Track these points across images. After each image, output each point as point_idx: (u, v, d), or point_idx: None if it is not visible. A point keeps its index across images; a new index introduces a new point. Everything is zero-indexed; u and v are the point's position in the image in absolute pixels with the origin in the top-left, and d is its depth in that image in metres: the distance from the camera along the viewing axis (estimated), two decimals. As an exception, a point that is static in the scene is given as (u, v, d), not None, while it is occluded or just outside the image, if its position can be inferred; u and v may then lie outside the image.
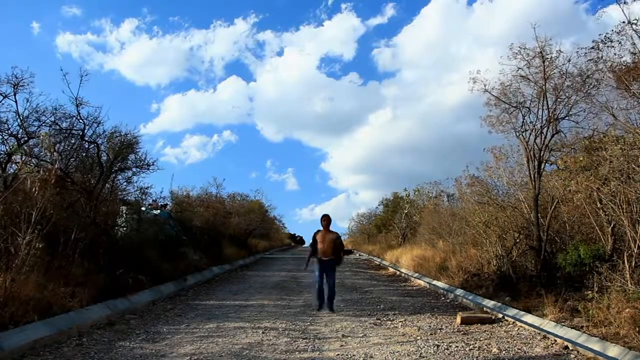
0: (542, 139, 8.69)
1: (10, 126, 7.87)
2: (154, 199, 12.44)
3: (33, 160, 7.95)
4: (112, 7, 57.04)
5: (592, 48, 7.59)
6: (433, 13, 59.23)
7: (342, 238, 7.41)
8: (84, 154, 9.37)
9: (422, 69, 64.61)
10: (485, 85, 9.33)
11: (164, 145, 59.21)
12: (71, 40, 53.76)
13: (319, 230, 6.91)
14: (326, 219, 6.95)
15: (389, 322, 6.97)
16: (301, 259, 20.38)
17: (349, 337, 5.79)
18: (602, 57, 7.47)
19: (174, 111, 62.43)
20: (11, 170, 7.52)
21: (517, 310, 7.09)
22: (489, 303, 8.08)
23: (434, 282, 11.75)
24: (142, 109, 57.40)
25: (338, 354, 4.98)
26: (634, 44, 6.82)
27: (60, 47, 53.11)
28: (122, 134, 9.71)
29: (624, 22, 6.69)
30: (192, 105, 62.67)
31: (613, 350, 4.74)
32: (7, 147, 7.69)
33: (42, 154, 8.27)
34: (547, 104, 8.66)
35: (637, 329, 4.94)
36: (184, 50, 58.49)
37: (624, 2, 6.55)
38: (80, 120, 8.80)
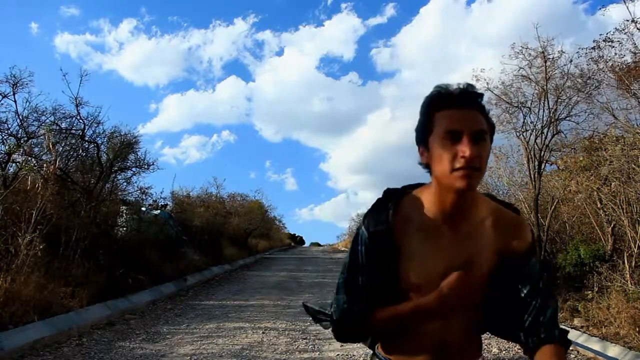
0: (543, 139, 8.68)
1: (10, 126, 7.87)
2: (154, 199, 12.43)
3: (33, 159, 7.94)
4: (111, 7, 56.83)
5: (593, 48, 7.60)
6: (432, 13, 59.28)
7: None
8: (84, 154, 9.37)
9: (421, 69, 64.70)
10: (488, 84, 9.32)
11: (163, 145, 59.11)
12: (69, 41, 53.51)
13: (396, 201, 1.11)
14: (477, 119, 1.02)
15: (389, 322, 6.96)
16: (302, 259, 20.36)
17: (349, 337, 5.78)
18: (603, 56, 7.48)
19: (172, 111, 62.28)
20: (11, 170, 7.51)
21: (517, 311, 7.07)
22: (489, 303, 8.07)
23: (434, 282, 11.72)
24: (141, 109, 57.13)
25: (338, 354, 4.98)
26: (635, 43, 6.83)
27: (59, 47, 52.86)
28: (122, 133, 9.72)
29: (627, 20, 6.69)
30: (191, 105, 62.51)
31: (613, 350, 4.75)
32: (6, 147, 7.69)
33: (42, 152, 8.27)
34: (548, 104, 8.65)
35: (637, 329, 4.94)
36: (182, 50, 58.26)
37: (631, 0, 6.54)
38: (80, 120, 8.80)
